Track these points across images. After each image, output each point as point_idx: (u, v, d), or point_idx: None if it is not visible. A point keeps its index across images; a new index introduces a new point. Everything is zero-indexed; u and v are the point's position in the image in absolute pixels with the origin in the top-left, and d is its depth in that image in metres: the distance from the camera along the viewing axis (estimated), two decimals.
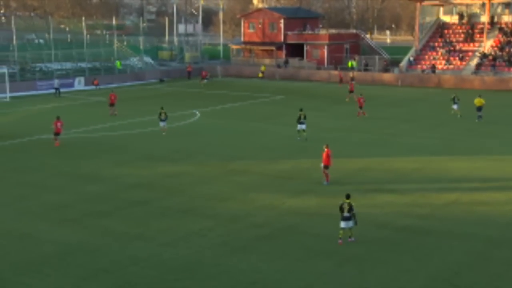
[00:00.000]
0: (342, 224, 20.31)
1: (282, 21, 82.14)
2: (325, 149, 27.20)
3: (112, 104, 46.65)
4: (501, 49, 68.57)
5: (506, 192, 26.03)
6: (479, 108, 43.66)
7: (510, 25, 71.62)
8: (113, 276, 17.85)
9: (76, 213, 23.62)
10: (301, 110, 37.69)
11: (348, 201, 20.30)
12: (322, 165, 27.35)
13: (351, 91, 54.95)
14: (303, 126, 37.08)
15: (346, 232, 20.43)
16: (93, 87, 64.58)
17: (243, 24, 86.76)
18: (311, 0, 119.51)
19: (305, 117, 37.16)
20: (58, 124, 35.95)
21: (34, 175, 29.58)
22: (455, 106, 45.55)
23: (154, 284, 17.35)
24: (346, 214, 20.23)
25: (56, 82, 61.63)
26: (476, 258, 19.14)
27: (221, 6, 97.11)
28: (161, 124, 39.67)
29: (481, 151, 34.16)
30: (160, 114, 39.63)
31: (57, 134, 36.04)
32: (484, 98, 44.13)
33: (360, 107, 45.87)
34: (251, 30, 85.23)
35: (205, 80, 69.45)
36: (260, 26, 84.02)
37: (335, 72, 71.76)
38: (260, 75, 76.05)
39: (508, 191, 26.10)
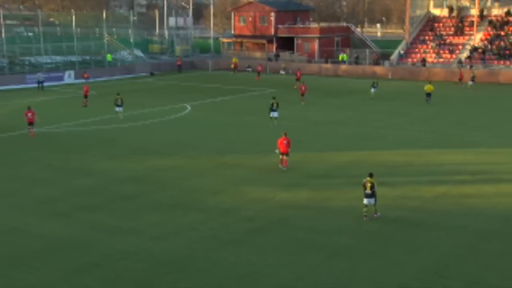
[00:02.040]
0: (365, 201, 21.56)
1: (272, 14, 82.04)
2: (283, 136, 28.30)
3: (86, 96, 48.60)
4: (491, 42, 68.83)
5: (495, 184, 26.17)
6: (429, 94, 48.68)
7: (499, 18, 71.85)
8: (103, 270, 17.80)
9: (66, 207, 23.54)
10: (273, 98, 39.60)
11: (370, 179, 21.41)
12: (277, 151, 28.61)
13: (297, 79, 58.49)
14: (275, 114, 38.61)
15: (370, 208, 21.58)
16: (83, 80, 64.26)
17: (234, 17, 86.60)
18: None
19: (277, 105, 38.69)
20: (29, 114, 36.27)
21: (24, 169, 29.43)
22: (372, 90, 52.34)
23: (145, 278, 17.32)
24: (368, 191, 21.45)
25: (39, 75, 61.04)
26: (465, 250, 19.23)
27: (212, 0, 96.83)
28: (117, 109, 41.28)
29: (472, 144, 34.31)
30: (116, 99, 41.24)
31: (30, 124, 36.27)
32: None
33: (302, 95, 48.31)
34: (241, 24, 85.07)
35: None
36: (250, 19, 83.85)
37: (257, 65, 72.79)
38: (232, 66, 75.84)
39: (497, 184, 26.25)
